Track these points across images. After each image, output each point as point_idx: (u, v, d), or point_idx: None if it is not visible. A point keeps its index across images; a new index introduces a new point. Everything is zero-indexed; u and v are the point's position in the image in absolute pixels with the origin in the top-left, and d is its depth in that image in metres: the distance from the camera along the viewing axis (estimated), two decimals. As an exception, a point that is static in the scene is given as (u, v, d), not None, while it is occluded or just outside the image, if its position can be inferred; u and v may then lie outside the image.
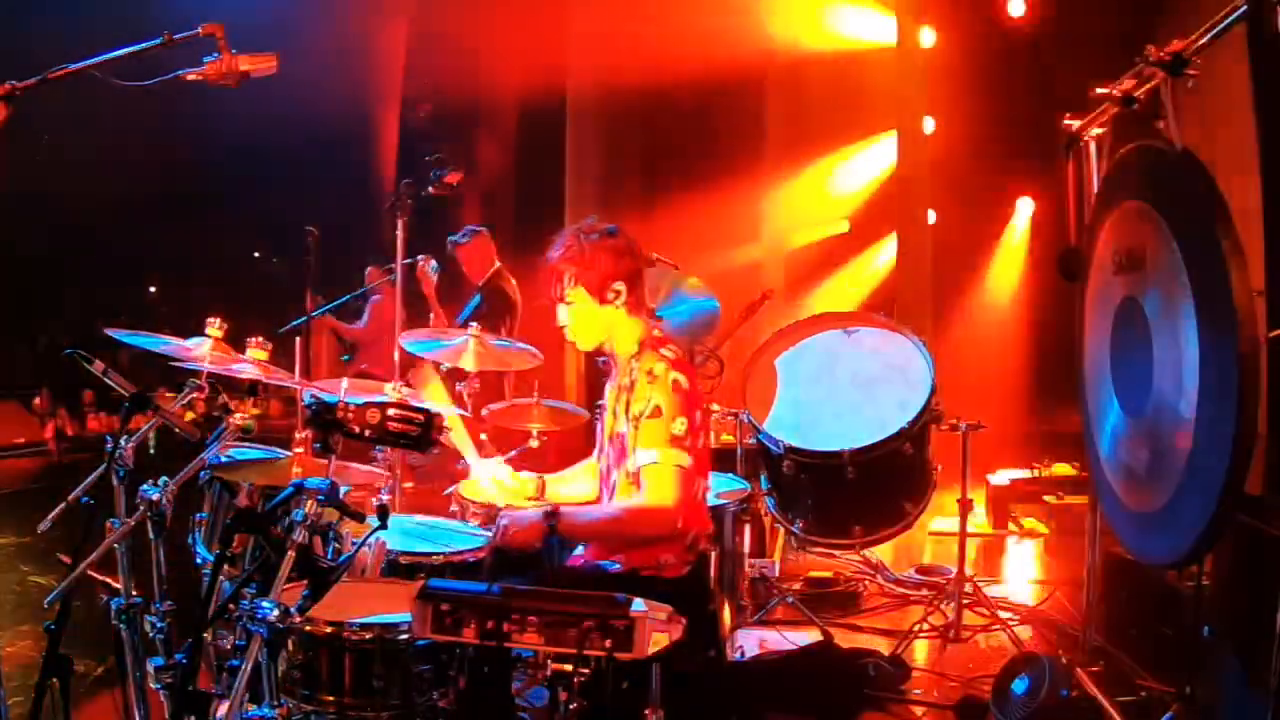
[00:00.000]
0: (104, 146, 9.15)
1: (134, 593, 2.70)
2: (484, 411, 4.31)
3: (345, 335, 7.41)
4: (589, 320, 2.86)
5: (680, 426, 2.70)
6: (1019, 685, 3.54)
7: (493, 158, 9.19)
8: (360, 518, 2.49)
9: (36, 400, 10.52)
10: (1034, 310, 7.95)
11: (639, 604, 2.11)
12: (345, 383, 3.66)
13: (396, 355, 4.33)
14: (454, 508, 3.69)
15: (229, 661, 2.78)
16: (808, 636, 4.35)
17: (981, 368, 7.64)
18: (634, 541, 2.78)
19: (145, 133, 9.04)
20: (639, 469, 2.70)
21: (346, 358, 7.62)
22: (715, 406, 4.89)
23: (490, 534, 2.87)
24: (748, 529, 4.23)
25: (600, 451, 3.05)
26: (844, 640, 4.41)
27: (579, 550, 2.95)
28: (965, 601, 4.58)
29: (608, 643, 2.06)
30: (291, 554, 2.19)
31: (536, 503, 3.17)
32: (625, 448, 2.80)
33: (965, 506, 4.62)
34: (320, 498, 2.31)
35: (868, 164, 8.77)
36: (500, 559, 2.85)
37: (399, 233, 4.26)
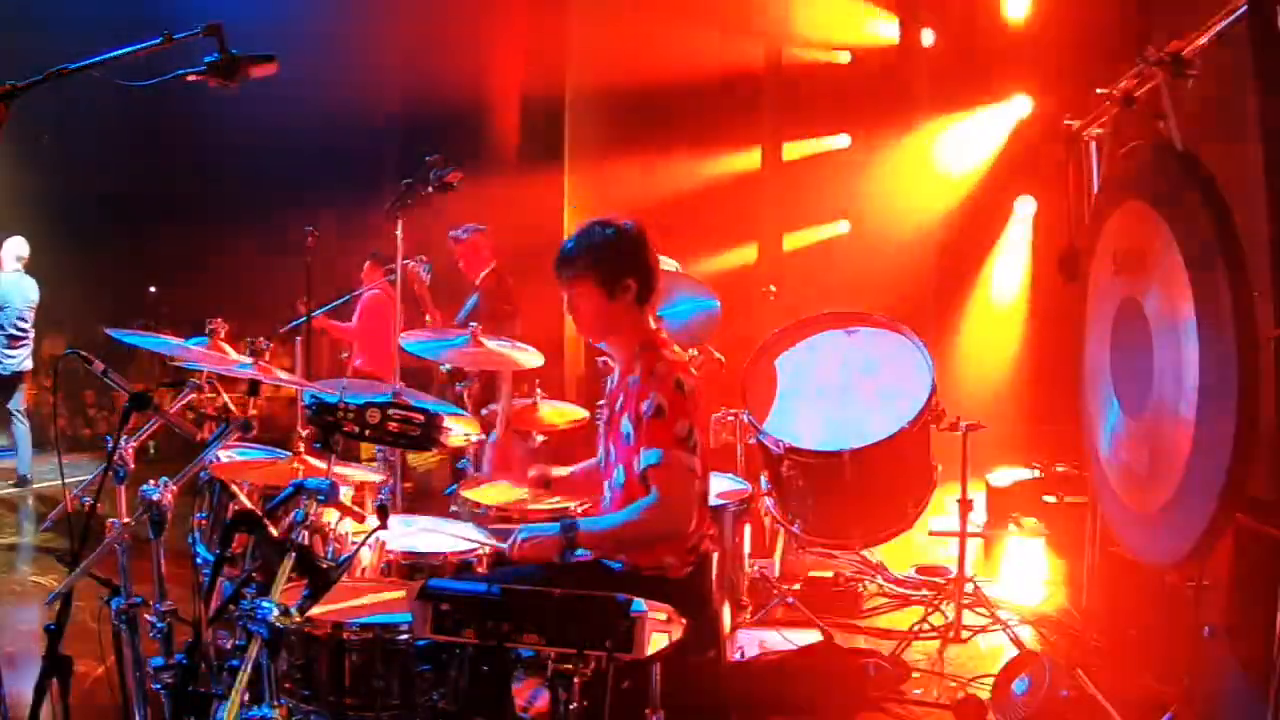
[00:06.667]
0: (104, 146, 9.14)
1: (134, 593, 2.70)
2: (483, 411, 4.31)
3: (336, 335, 7.40)
4: (594, 311, 2.85)
5: (683, 428, 2.71)
6: (1019, 685, 3.55)
7: (492, 156, 9.16)
8: (360, 517, 2.49)
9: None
10: (1034, 310, 7.94)
11: (639, 604, 2.10)
12: (345, 382, 3.66)
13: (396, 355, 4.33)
14: (454, 508, 3.69)
15: (229, 661, 2.79)
16: (808, 636, 4.35)
17: (981, 368, 7.64)
18: (650, 542, 2.78)
19: (146, 133, 9.05)
20: (646, 469, 2.70)
21: (346, 354, 7.63)
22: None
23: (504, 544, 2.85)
24: (748, 529, 4.23)
25: (602, 447, 3.04)
26: (844, 640, 4.41)
27: (581, 553, 2.94)
28: (965, 601, 4.58)
29: (608, 643, 2.06)
30: (291, 554, 2.19)
31: (549, 503, 3.15)
32: (629, 446, 2.80)
33: (965, 506, 4.62)
34: (320, 498, 2.32)
35: (868, 163, 8.75)
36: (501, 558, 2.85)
37: (399, 233, 4.26)
